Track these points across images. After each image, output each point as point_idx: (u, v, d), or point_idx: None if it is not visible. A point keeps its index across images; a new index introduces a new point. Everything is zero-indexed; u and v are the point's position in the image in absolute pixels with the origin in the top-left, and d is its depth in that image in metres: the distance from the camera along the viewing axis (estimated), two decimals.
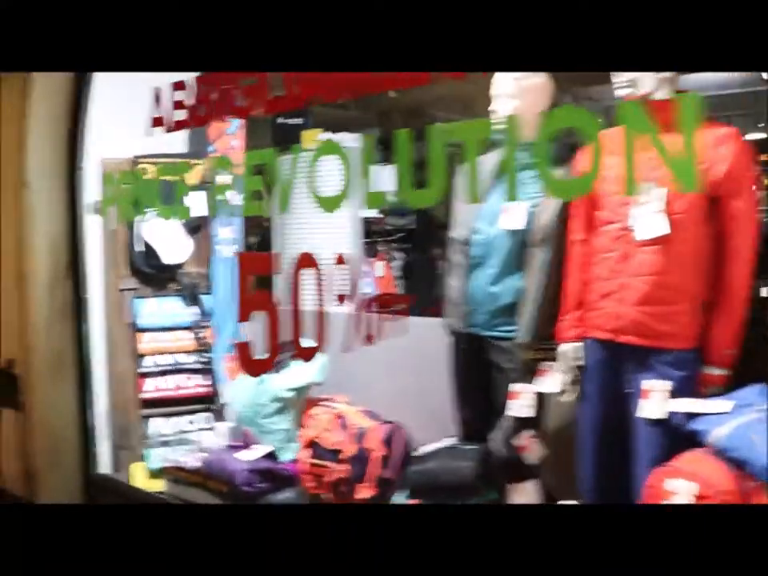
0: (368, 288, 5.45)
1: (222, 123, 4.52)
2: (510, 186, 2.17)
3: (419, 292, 5.54)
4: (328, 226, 5.30)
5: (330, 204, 2.54)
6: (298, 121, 5.63)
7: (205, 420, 4.35)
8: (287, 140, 5.08)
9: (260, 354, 2.72)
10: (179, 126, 3.37)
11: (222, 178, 4.33)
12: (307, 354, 2.75)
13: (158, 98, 3.41)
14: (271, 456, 3.57)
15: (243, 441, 3.71)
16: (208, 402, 4.38)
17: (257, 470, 3.46)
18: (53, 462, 4.33)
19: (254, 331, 3.05)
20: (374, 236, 5.78)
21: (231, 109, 3.10)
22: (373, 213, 5.61)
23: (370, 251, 5.71)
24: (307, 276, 2.73)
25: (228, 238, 4.43)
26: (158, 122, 3.42)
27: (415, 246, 6.30)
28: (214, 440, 4.00)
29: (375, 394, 3.86)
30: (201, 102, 3.26)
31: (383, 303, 4.15)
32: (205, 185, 4.29)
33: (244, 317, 3.00)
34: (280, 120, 5.65)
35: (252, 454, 3.52)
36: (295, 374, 3.62)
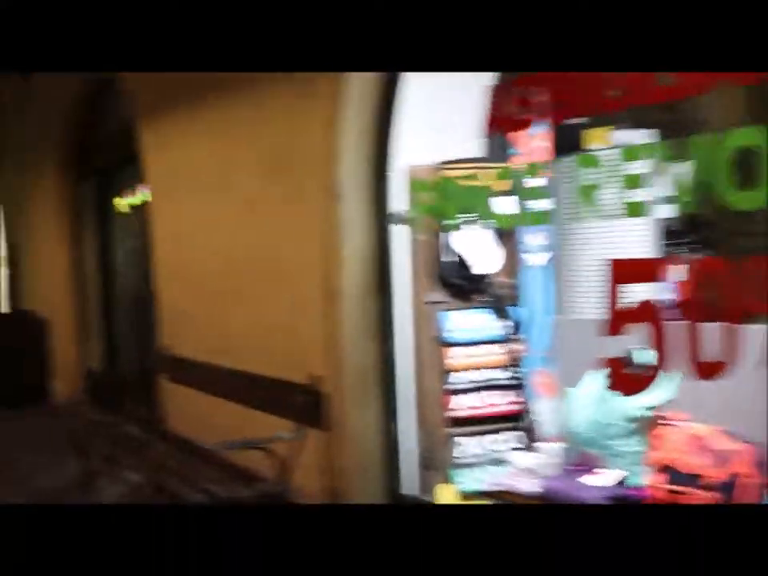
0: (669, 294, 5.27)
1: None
2: None
3: None
4: (619, 228, 5.17)
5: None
6: (580, 120, 5.55)
7: (516, 439, 4.34)
8: (569, 142, 5.02)
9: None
10: (523, 125, 3.38)
11: (530, 183, 4.35)
12: (711, 372, 2.66)
13: (495, 99, 3.43)
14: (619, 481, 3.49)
15: (584, 464, 3.65)
16: (518, 420, 4.36)
17: (609, 497, 3.38)
18: (358, 481, 4.45)
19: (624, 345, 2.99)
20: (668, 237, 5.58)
21: (595, 103, 3.05)
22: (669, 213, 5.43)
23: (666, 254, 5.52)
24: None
25: (537, 245, 4.39)
26: (497, 123, 3.44)
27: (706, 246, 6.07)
28: (537, 461, 3.97)
29: (713, 411, 3.70)
30: (551, 98, 3.25)
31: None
32: (511, 191, 4.32)
33: (615, 330, 2.95)
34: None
35: (603, 479, 3.45)
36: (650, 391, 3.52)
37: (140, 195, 8.36)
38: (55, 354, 10.20)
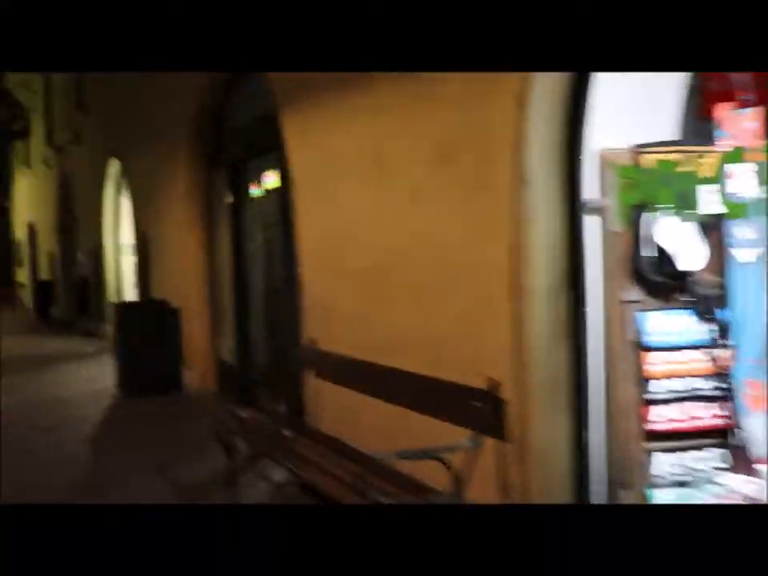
0: None
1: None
2: None
3: None
4: None
5: None
6: None
7: (721, 458, 3.86)
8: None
9: None
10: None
11: (737, 169, 3.88)
12: None
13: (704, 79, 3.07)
14: None
15: None
16: (724, 436, 3.88)
17: None
18: (541, 498, 4.05)
19: None
20: None
21: None
22: None
23: None
24: None
25: (748, 239, 3.89)
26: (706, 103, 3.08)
27: None
28: (755, 486, 3.51)
29: None
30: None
31: None
32: (718, 177, 3.86)
33: None
34: None
35: None
36: None
37: (275, 184, 8.15)
38: (187, 345, 10.11)
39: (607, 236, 3.94)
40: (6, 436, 8.06)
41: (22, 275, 28.63)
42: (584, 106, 3.90)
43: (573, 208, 3.93)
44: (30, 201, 25.42)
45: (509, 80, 3.88)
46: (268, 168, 8.31)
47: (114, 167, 14.83)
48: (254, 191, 9.00)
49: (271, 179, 8.34)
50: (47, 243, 22.46)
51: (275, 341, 8.64)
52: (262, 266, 8.96)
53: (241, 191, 9.31)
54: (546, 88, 3.88)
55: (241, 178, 9.30)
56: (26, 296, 26.87)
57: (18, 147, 26.15)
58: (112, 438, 8.17)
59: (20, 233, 28.69)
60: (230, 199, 9.49)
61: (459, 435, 4.19)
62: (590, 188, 3.97)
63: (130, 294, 14.72)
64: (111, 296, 15.54)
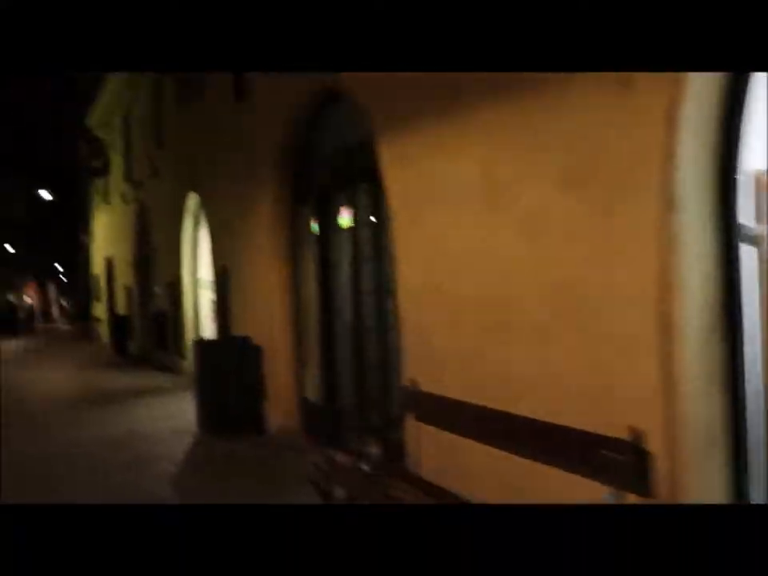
0: None
1: None
2: None
3: None
4: None
5: None
6: None
7: None
8: None
9: None
10: None
11: None
12: None
13: None
14: None
15: None
16: None
17: None
18: None
19: None
20: None
21: None
22: None
23: None
24: None
25: None
26: None
27: None
28: None
29: None
30: None
31: None
32: None
33: None
34: None
35: None
36: None
37: (365, 214, 7.84)
38: (270, 382, 9.81)
39: (765, 267, 3.50)
40: (83, 470, 7.97)
41: (100, 309, 28.87)
42: (740, 124, 3.48)
43: (728, 236, 3.50)
44: (108, 236, 25.64)
45: (657, 94, 3.50)
46: (358, 197, 8.00)
47: (192, 200, 14.74)
48: (342, 221, 8.69)
49: (361, 209, 8.04)
50: (124, 277, 22.56)
51: (365, 379, 8.27)
52: (351, 300, 8.62)
53: (328, 222, 9.01)
54: (698, 103, 3.47)
55: (328, 208, 9.02)
56: (104, 330, 27.05)
57: (97, 184, 26.49)
58: (193, 476, 7.91)
59: (98, 267, 29.00)
60: (316, 230, 9.21)
61: (585, 488, 3.76)
62: (744, 213, 3.56)
63: (209, 329, 14.54)
64: (189, 331, 15.40)
